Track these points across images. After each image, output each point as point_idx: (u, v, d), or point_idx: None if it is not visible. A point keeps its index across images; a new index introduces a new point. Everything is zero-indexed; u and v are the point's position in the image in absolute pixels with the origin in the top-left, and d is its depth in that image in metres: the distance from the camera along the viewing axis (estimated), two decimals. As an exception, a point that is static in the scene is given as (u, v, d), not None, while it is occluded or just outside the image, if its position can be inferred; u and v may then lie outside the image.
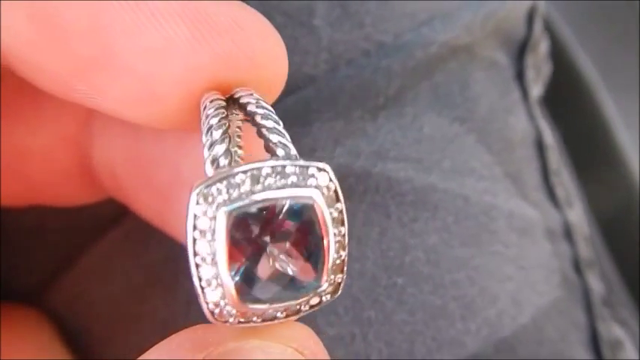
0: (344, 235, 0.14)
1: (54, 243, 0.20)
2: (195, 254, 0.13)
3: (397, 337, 0.20)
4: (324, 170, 0.13)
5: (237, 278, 0.13)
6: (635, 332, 0.28)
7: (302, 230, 0.13)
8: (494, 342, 0.21)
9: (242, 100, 0.14)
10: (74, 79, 0.14)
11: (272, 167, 0.13)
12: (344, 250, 0.14)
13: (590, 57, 0.33)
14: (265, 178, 0.13)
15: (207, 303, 0.13)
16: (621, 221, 0.30)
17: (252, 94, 0.14)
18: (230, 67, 0.14)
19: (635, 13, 0.50)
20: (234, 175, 0.13)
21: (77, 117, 0.17)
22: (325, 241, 0.13)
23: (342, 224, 0.14)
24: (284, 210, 0.13)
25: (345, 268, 0.14)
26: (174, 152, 0.16)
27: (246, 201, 0.13)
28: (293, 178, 0.13)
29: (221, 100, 0.14)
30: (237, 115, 0.14)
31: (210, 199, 0.13)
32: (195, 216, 0.13)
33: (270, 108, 0.14)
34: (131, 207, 0.18)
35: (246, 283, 0.13)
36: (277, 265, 0.13)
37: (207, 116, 0.14)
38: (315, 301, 0.14)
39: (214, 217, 0.13)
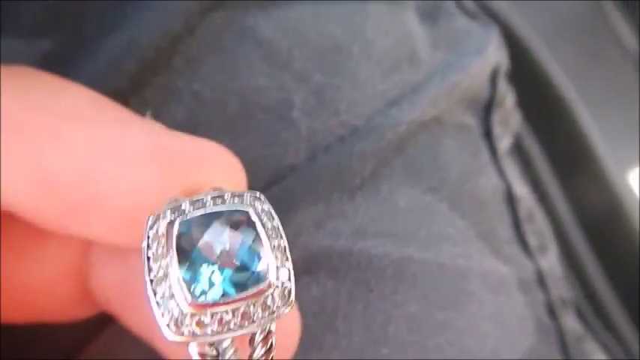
0: (284, 247, 0.15)
1: (54, 340, 0.22)
2: (149, 271, 0.15)
3: None
4: (257, 195, 0.16)
5: (188, 284, 0.14)
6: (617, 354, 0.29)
7: (241, 244, 0.15)
8: None
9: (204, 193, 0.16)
10: (68, 220, 0.16)
11: (213, 198, 0.15)
12: (287, 260, 0.15)
13: (565, 72, 0.34)
14: (206, 204, 0.15)
15: (163, 316, 0.14)
16: (604, 225, 0.31)
17: (212, 187, 0.16)
18: (198, 188, 0.16)
19: (608, 29, 0.51)
20: (179, 205, 0.15)
21: (78, 248, 0.18)
22: (265, 249, 0.15)
23: (281, 238, 0.15)
24: (225, 227, 0.15)
25: (292, 280, 0.15)
26: None
27: (189, 216, 0.15)
28: (230, 201, 0.15)
29: (179, 198, 0.16)
30: None
31: (159, 221, 0.15)
32: (147, 237, 0.15)
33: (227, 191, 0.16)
34: (124, 324, 0.19)
35: (196, 288, 0.15)
36: (223, 270, 0.15)
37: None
38: (265, 305, 0.15)
39: (163, 233, 0.15)
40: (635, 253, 0.31)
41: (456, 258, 0.23)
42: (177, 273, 0.14)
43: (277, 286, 0.15)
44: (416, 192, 0.23)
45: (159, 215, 0.15)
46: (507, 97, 0.28)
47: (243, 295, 0.15)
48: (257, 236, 0.15)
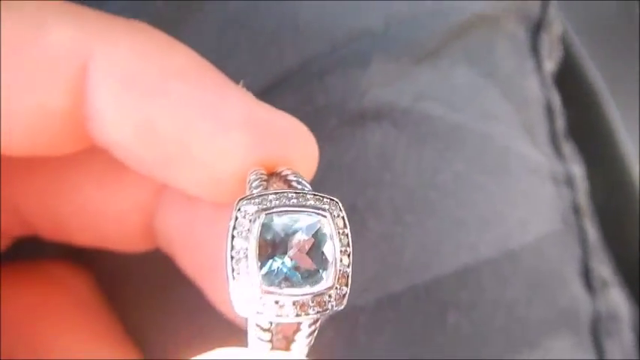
0: (349, 254, 0.17)
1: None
2: (232, 248, 0.17)
3: (428, 239, 0.25)
4: (335, 201, 0.17)
5: (262, 269, 0.17)
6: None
7: (314, 244, 0.17)
8: (503, 252, 0.25)
9: (282, 173, 0.18)
10: (160, 167, 0.19)
11: (296, 193, 0.17)
12: (348, 266, 0.17)
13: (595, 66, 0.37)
14: (290, 199, 0.17)
15: (235, 291, 0.17)
16: (620, 217, 0.32)
17: (290, 170, 0.18)
18: (277, 162, 0.18)
19: (635, 25, 0.54)
20: (267, 195, 0.17)
21: (151, 187, 0.21)
22: (332, 252, 0.17)
23: (348, 245, 0.17)
24: (302, 225, 0.17)
25: (349, 283, 0.17)
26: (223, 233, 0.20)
27: (275, 210, 0.17)
28: (311, 202, 0.17)
29: (262, 172, 0.18)
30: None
31: (246, 205, 0.17)
32: (236, 218, 0.17)
33: (302, 177, 0.18)
34: (179, 265, 0.22)
35: (268, 274, 0.17)
36: (293, 263, 0.17)
37: (249, 181, 0.18)
38: (322, 301, 0.17)
39: (251, 220, 0.17)
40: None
41: (500, 135, 0.27)
42: (255, 257, 0.17)
43: (336, 287, 0.17)
44: (472, 72, 0.26)
45: (248, 200, 0.17)
46: (555, 24, 0.31)
47: (306, 290, 0.17)
48: (328, 239, 0.17)
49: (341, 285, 0.17)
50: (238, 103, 0.18)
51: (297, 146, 0.19)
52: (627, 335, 0.29)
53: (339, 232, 0.17)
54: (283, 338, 0.18)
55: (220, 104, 0.18)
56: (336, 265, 0.17)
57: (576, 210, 0.29)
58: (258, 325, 0.17)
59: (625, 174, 0.34)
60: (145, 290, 0.25)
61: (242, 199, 0.17)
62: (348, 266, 0.17)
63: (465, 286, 0.24)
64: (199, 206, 0.20)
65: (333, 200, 0.18)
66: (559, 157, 0.29)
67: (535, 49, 0.30)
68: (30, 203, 0.22)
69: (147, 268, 0.24)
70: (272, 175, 0.18)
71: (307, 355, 0.18)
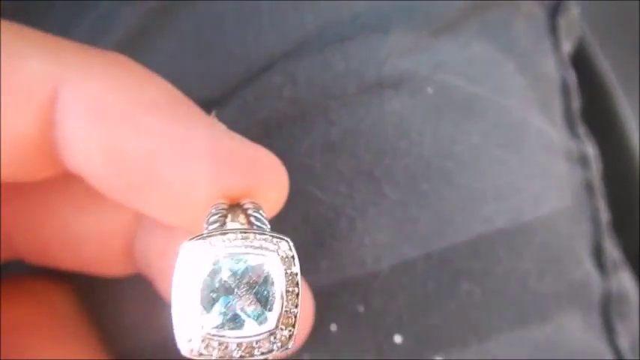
0: (297, 294, 0.18)
1: None
2: (177, 291, 0.17)
3: (443, 209, 0.25)
4: (286, 240, 0.18)
5: (206, 311, 0.17)
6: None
7: (260, 285, 0.17)
8: (517, 224, 0.26)
9: (244, 206, 0.19)
10: (129, 194, 0.19)
11: (244, 234, 0.18)
12: (295, 307, 0.18)
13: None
14: (237, 240, 0.17)
15: (179, 333, 0.17)
16: (620, 193, 0.33)
17: (252, 203, 0.19)
18: (243, 193, 0.19)
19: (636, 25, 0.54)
20: (214, 236, 0.18)
21: (131, 212, 0.21)
22: (278, 293, 0.17)
23: (296, 285, 0.18)
24: (249, 266, 0.17)
25: (297, 324, 0.18)
26: None
27: (221, 252, 0.17)
28: (259, 242, 0.18)
29: (223, 205, 0.18)
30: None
31: (195, 249, 0.17)
32: (182, 260, 0.17)
33: (262, 211, 0.18)
34: (157, 290, 0.22)
35: (212, 316, 0.17)
36: (239, 304, 0.17)
37: (208, 215, 0.18)
38: (266, 345, 0.17)
39: (196, 263, 0.17)
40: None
41: (517, 109, 0.27)
42: (198, 300, 0.17)
43: (282, 329, 0.17)
44: (490, 47, 0.27)
45: (196, 240, 0.17)
46: (573, 6, 0.32)
47: (250, 332, 0.17)
48: (274, 280, 0.17)
49: (286, 326, 0.17)
50: (205, 134, 0.19)
51: (265, 176, 0.19)
52: (635, 321, 0.29)
53: (286, 273, 0.18)
54: None
55: (188, 135, 0.19)
56: (282, 307, 0.17)
57: (589, 189, 0.29)
58: None
59: (631, 163, 0.34)
60: (127, 297, 0.25)
61: (190, 239, 0.17)
62: (296, 307, 0.18)
63: (479, 256, 0.25)
64: (175, 231, 0.21)
65: (283, 240, 0.18)
66: (573, 136, 0.30)
67: (553, 30, 0.30)
68: (12, 226, 0.22)
69: (130, 281, 0.25)
70: (235, 206, 0.19)
71: None
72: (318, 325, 0.23)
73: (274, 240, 0.18)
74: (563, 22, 0.31)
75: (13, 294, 0.24)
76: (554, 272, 0.26)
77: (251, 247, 0.18)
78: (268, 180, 0.19)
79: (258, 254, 0.17)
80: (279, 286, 0.17)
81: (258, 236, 0.18)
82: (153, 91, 0.19)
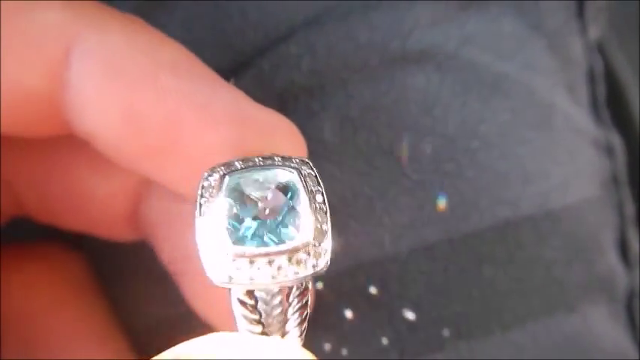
0: (325, 211, 0.17)
1: None
2: (200, 215, 0.16)
3: (467, 189, 0.23)
4: (306, 161, 0.17)
5: (232, 231, 0.16)
6: None
7: (285, 200, 0.17)
8: (544, 211, 0.24)
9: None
10: (144, 160, 0.18)
11: (262, 157, 0.17)
12: (326, 223, 0.17)
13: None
14: (256, 162, 0.17)
15: (207, 257, 0.16)
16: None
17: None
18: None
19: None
20: (232, 162, 0.17)
21: (141, 176, 0.21)
22: (305, 207, 0.17)
23: (324, 203, 0.17)
24: (270, 183, 0.17)
25: (329, 241, 0.16)
26: None
27: (241, 172, 0.17)
28: (278, 162, 0.17)
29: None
30: None
31: (212, 174, 0.17)
32: (202, 186, 0.17)
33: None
34: (160, 256, 0.22)
35: (238, 235, 0.16)
36: (264, 221, 0.16)
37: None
38: (299, 260, 0.16)
39: (215, 185, 0.17)
40: None
41: (545, 90, 0.25)
42: (223, 221, 0.16)
43: (315, 245, 0.16)
44: (519, 23, 0.25)
45: (213, 169, 0.17)
46: None
47: (280, 248, 0.16)
48: (300, 194, 0.17)
49: (319, 242, 0.16)
50: (228, 98, 0.18)
51: (284, 144, 0.18)
52: None
53: (311, 190, 0.17)
54: (277, 323, 0.17)
55: (210, 99, 0.18)
56: (310, 221, 0.16)
57: (615, 180, 0.28)
58: (241, 302, 0.16)
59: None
60: (133, 265, 0.24)
61: (208, 169, 0.17)
62: (326, 223, 0.16)
63: (503, 241, 0.23)
64: (184, 200, 0.20)
65: (303, 160, 0.17)
66: (600, 124, 0.28)
67: (580, 14, 0.29)
68: (20, 181, 0.22)
69: (137, 247, 0.24)
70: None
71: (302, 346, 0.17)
72: (334, 310, 0.22)
73: (294, 159, 0.17)
74: (591, 7, 0.29)
75: (26, 256, 0.23)
76: (581, 262, 0.25)
77: (271, 165, 0.17)
78: (287, 148, 0.18)
79: (284, 170, 0.17)
80: (305, 203, 0.16)
81: (277, 159, 0.17)
82: (173, 52, 0.19)
